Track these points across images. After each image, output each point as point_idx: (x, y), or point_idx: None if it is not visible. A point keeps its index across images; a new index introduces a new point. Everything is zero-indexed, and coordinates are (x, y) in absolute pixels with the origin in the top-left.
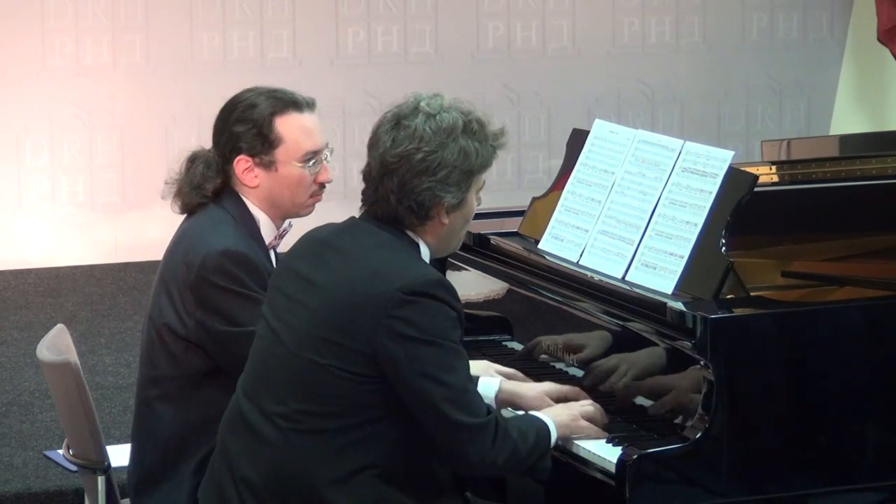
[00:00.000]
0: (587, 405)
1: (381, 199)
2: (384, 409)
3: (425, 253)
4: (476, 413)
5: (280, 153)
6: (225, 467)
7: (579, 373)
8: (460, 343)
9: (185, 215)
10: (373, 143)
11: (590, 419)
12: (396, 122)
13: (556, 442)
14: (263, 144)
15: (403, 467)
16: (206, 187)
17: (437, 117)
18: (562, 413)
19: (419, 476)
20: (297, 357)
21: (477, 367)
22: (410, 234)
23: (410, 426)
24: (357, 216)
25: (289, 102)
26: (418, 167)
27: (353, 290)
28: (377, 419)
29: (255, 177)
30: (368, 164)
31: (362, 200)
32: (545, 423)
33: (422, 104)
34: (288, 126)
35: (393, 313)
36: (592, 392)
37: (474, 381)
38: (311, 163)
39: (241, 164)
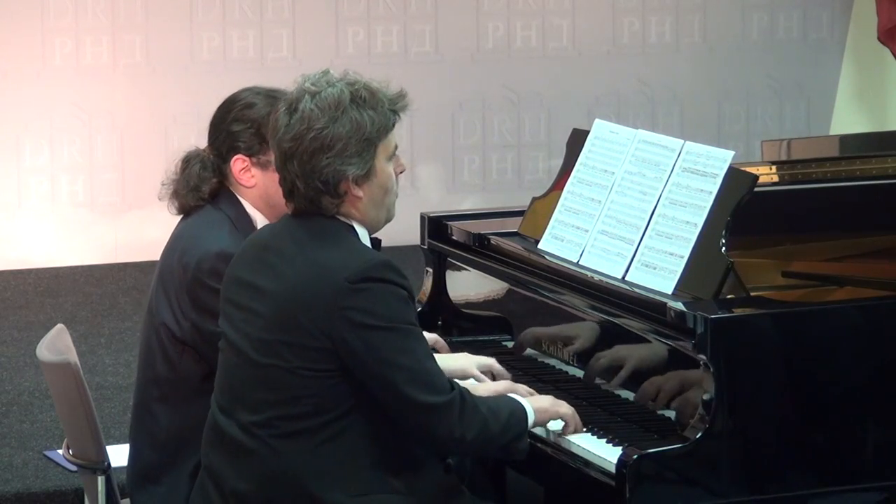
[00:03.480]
0: (564, 404)
1: (293, 188)
2: (356, 398)
3: (362, 233)
4: (439, 391)
5: None
6: (212, 484)
7: (579, 372)
8: (415, 321)
9: (181, 216)
10: (271, 134)
11: (567, 409)
12: (287, 108)
13: (533, 425)
14: (261, 144)
15: (386, 451)
16: (202, 189)
17: (322, 94)
18: (540, 398)
19: (401, 457)
20: (260, 365)
21: (458, 361)
22: (339, 217)
23: (384, 411)
24: (287, 215)
25: None
26: (312, 146)
27: (301, 290)
28: (351, 409)
29: (252, 176)
30: (275, 159)
31: (284, 198)
32: (521, 405)
33: (307, 85)
34: None
35: (344, 304)
36: (592, 391)
37: (433, 358)
38: None
39: (238, 163)
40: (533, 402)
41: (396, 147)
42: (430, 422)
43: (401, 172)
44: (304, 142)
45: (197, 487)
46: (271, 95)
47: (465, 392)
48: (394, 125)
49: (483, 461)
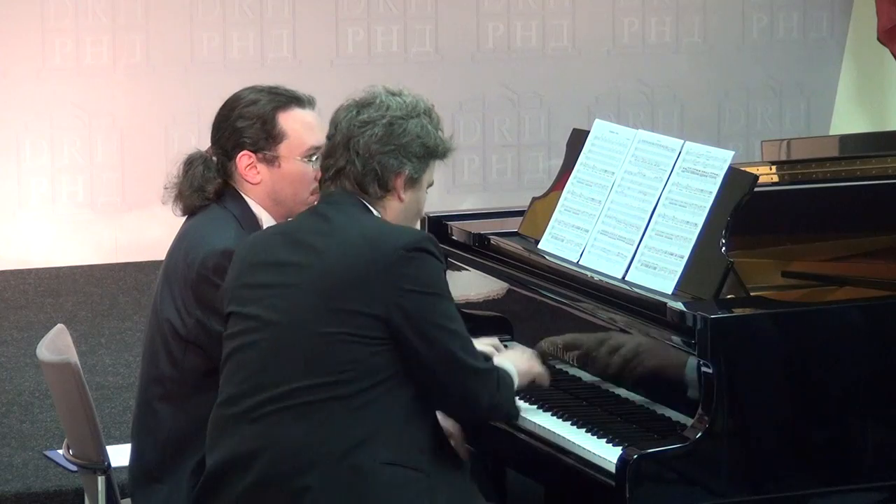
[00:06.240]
0: (535, 363)
1: (348, 164)
2: (394, 369)
3: None
4: (481, 359)
5: (283, 148)
6: (232, 474)
7: (579, 372)
8: None
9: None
10: (335, 121)
11: (540, 371)
12: (359, 102)
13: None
14: (267, 139)
15: (414, 427)
16: (207, 189)
17: (401, 97)
18: (518, 359)
19: (427, 436)
20: (298, 334)
21: None
22: (373, 210)
23: (418, 384)
24: (309, 208)
25: (291, 98)
26: (384, 130)
27: (353, 259)
28: (388, 378)
29: (258, 173)
30: (331, 141)
31: (323, 179)
32: (507, 371)
33: (383, 87)
34: (291, 121)
35: (400, 271)
36: (592, 391)
37: None
38: (313, 158)
39: (244, 160)
40: (515, 364)
41: (433, 183)
42: (477, 386)
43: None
44: (377, 125)
45: (202, 492)
46: (273, 92)
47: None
48: (443, 156)
49: (483, 461)
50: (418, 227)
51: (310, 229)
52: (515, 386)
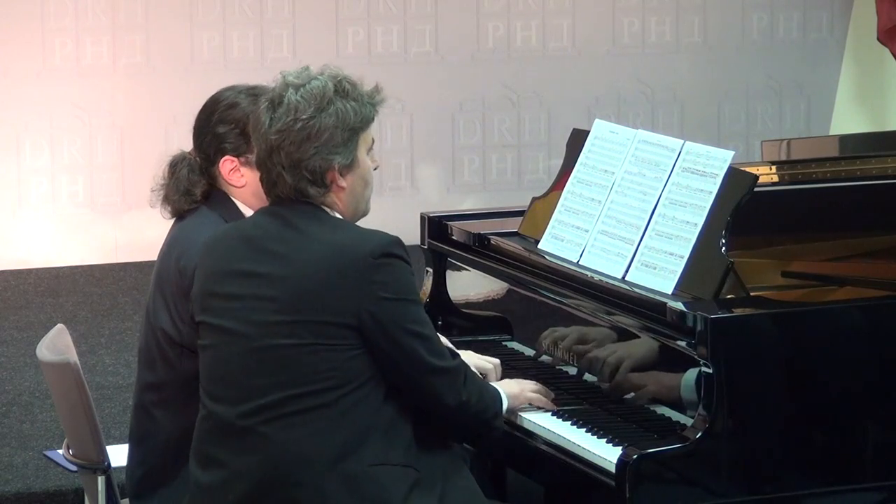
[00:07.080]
0: (532, 384)
1: (278, 180)
2: (372, 371)
3: None
4: (447, 357)
5: None
6: (219, 483)
7: (580, 373)
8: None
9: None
10: (254, 129)
11: (535, 395)
12: (271, 102)
13: (507, 410)
14: (247, 143)
15: (397, 425)
16: (194, 192)
17: (307, 86)
18: (510, 383)
19: (410, 432)
20: (273, 347)
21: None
22: (326, 209)
23: (395, 383)
24: (265, 207)
25: None
26: (300, 136)
27: (323, 269)
28: (368, 380)
29: (242, 176)
30: (258, 154)
31: (264, 190)
32: (494, 387)
33: (289, 79)
34: None
35: (370, 279)
36: (592, 391)
37: None
38: None
39: (227, 164)
40: (505, 388)
41: (373, 141)
42: (442, 384)
43: (375, 168)
44: (291, 133)
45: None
46: (253, 93)
47: (463, 361)
48: (373, 118)
49: (483, 461)
50: (373, 189)
51: (274, 236)
52: (505, 406)
